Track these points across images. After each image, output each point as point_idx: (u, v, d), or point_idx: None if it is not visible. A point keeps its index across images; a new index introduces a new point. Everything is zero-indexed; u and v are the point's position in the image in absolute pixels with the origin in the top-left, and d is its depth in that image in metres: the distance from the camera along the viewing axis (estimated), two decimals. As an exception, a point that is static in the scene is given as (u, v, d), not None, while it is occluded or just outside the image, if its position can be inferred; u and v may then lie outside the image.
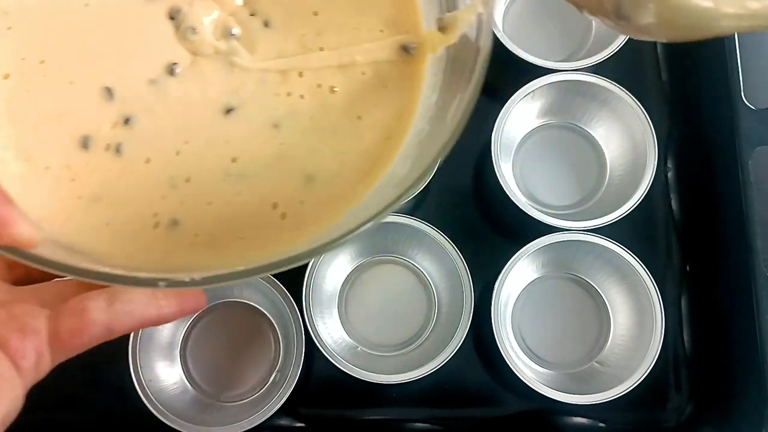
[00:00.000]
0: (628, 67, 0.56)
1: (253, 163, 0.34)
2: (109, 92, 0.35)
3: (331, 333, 0.50)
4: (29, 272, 0.31)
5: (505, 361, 0.47)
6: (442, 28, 0.36)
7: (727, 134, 0.51)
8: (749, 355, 0.48)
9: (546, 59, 0.53)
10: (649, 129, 0.51)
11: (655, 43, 0.59)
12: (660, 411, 0.52)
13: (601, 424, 0.51)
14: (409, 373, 0.46)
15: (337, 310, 0.52)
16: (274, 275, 0.48)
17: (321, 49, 0.36)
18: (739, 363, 0.49)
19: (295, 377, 0.46)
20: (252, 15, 0.37)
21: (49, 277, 0.29)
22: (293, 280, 0.48)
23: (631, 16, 0.27)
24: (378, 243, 0.52)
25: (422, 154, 0.32)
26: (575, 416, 0.51)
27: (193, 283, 0.26)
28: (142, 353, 0.47)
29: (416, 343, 0.51)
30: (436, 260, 0.51)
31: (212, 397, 0.50)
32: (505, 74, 0.56)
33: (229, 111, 0.35)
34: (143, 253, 0.32)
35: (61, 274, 0.26)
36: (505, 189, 0.49)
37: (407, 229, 0.49)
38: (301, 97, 0.35)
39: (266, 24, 0.37)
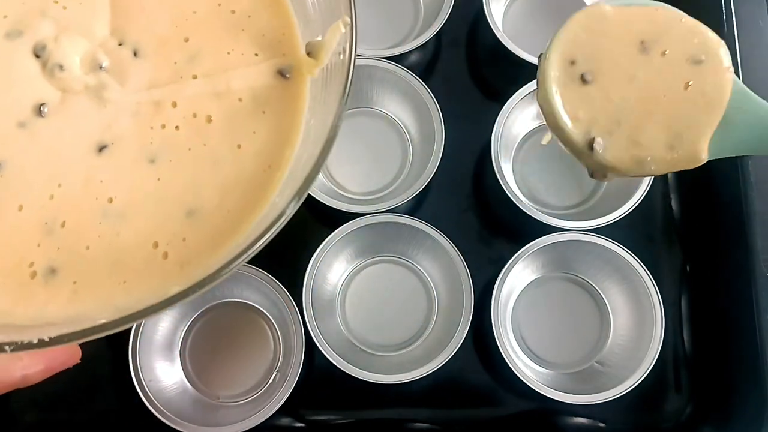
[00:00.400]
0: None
1: (130, 201, 0.33)
2: None
3: (331, 333, 0.50)
4: None
5: (505, 361, 0.47)
6: (310, 53, 0.35)
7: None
8: (749, 355, 0.48)
9: (546, 59, 0.52)
10: (649, 129, 0.51)
11: (655, 43, 0.59)
12: (660, 411, 0.52)
13: (601, 424, 0.51)
14: (409, 373, 0.46)
15: (337, 310, 0.52)
16: (274, 275, 0.48)
17: (194, 77, 0.35)
18: (739, 363, 0.49)
19: (295, 377, 0.46)
20: (120, 44, 0.35)
21: None
22: (293, 280, 0.48)
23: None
24: (378, 243, 0.52)
25: (296, 182, 0.30)
26: (575, 416, 0.51)
27: (41, 344, 0.24)
28: (142, 353, 0.47)
29: (416, 343, 0.51)
30: (436, 260, 0.51)
31: (212, 397, 0.50)
32: (505, 74, 0.56)
33: (102, 149, 0.34)
34: (21, 308, 0.31)
35: None
36: (505, 189, 0.49)
37: (407, 229, 0.49)
38: (177, 128, 0.34)
39: (135, 53, 0.35)
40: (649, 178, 0.50)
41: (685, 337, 0.53)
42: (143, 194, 0.33)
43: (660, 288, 0.49)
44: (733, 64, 0.51)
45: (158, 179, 0.33)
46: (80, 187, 0.33)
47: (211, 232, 0.33)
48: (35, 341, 0.24)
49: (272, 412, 0.46)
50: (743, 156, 0.50)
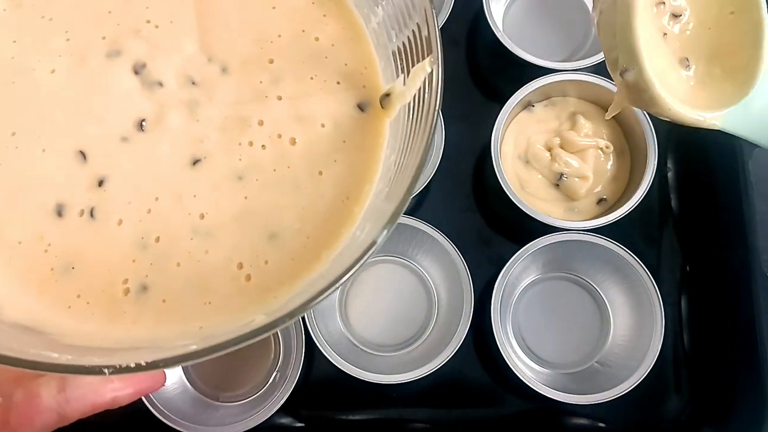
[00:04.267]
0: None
1: (219, 219, 0.34)
2: (82, 155, 0.35)
3: (331, 333, 0.50)
4: None
5: (505, 361, 0.47)
6: (389, 95, 0.36)
7: (727, 134, 0.51)
8: (749, 356, 0.48)
9: (546, 59, 0.53)
10: (649, 129, 0.51)
11: (655, 43, 0.59)
12: (660, 411, 0.52)
13: (601, 424, 0.51)
14: (409, 373, 0.46)
15: (337, 310, 0.52)
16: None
17: (279, 98, 0.36)
18: (739, 363, 0.49)
19: (295, 377, 0.46)
20: (209, 61, 0.37)
21: None
22: (293, 280, 0.48)
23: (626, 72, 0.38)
24: (378, 243, 0.52)
25: (379, 217, 0.31)
26: (575, 416, 0.51)
27: (138, 368, 0.25)
28: (142, 353, 0.47)
29: (416, 343, 0.51)
30: (436, 260, 0.51)
31: (212, 397, 0.50)
32: (505, 74, 0.56)
33: (196, 162, 0.35)
34: (109, 328, 0.32)
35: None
36: (505, 189, 0.49)
37: (407, 229, 0.49)
38: (263, 147, 0.35)
39: (224, 70, 0.37)
40: (648, 178, 0.50)
41: (685, 337, 0.53)
42: (231, 212, 0.34)
43: (660, 288, 0.49)
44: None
45: (245, 197, 0.34)
46: (175, 201, 0.34)
47: (291, 259, 0.33)
48: (132, 365, 0.25)
49: (272, 412, 0.46)
50: (743, 156, 0.50)
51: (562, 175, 0.52)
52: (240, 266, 0.33)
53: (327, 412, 0.51)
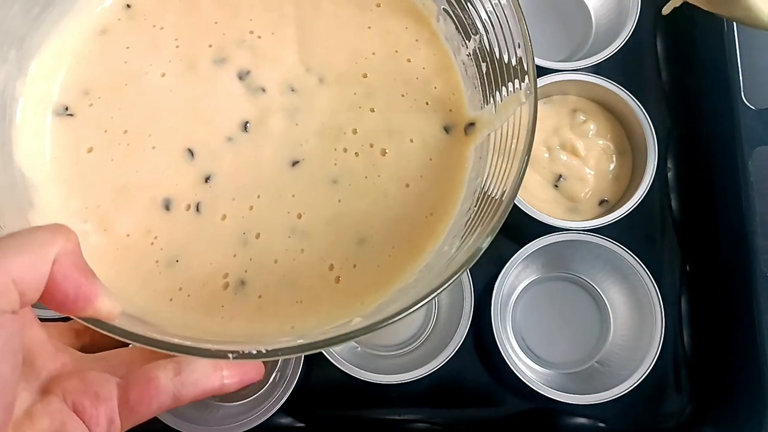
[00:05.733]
0: (628, 67, 0.56)
1: (315, 220, 0.36)
2: (190, 153, 0.37)
3: (331, 333, 0.50)
4: (94, 339, 0.32)
5: (505, 361, 0.47)
6: (474, 124, 0.38)
7: (727, 134, 0.51)
8: (749, 356, 0.48)
9: (546, 59, 0.53)
10: (650, 129, 0.51)
11: (655, 43, 0.59)
12: (660, 411, 0.52)
13: (601, 424, 0.51)
14: (409, 373, 0.46)
15: (337, 310, 0.52)
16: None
17: (372, 110, 0.39)
18: (739, 363, 0.49)
19: (295, 377, 0.46)
20: (307, 71, 0.39)
21: (114, 345, 0.30)
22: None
23: None
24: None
25: (467, 236, 0.33)
26: (575, 416, 0.51)
27: (260, 355, 0.27)
28: (142, 353, 0.47)
29: (416, 343, 0.51)
30: (436, 260, 0.51)
31: (212, 397, 0.50)
32: (505, 74, 0.56)
33: (295, 164, 0.37)
34: (209, 321, 0.34)
35: (138, 344, 0.27)
36: (505, 189, 0.49)
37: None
38: (356, 154, 0.38)
39: (321, 80, 0.39)
40: (648, 178, 0.50)
41: (685, 337, 0.53)
42: (326, 214, 0.36)
43: (660, 288, 0.49)
44: (734, 64, 0.52)
45: (339, 201, 0.37)
46: (276, 199, 0.36)
47: (377, 266, 0.35)
48: (254, 352, 0.27)
49: (272, 412, 0.46)
50: (743, 156, 0.50)
51: (560, 176, 0.52)
52: (331, 267, 0.35)
53: (327, 412, 0.51)
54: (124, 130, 0.37)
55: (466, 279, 0.48)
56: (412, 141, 0.38)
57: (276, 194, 0.37)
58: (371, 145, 0.38)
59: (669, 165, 0.56)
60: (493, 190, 0.34)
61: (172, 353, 0.27)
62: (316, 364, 0.50)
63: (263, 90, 0.38)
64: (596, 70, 0.53)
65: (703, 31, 0.56)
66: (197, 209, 0.36)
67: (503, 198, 0.32)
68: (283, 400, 0.46)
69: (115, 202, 0.36)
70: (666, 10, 0.43)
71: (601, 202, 0.52)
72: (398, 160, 0.38)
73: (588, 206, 0.52)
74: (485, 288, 0.50)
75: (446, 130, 0.39)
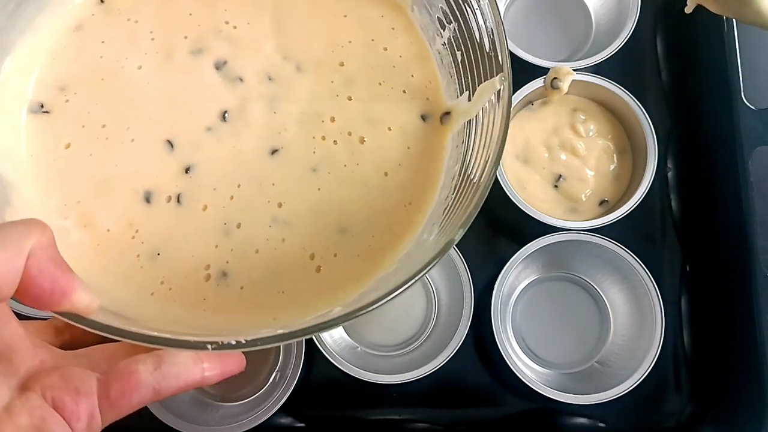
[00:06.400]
0: (628, 67, 0.56)
1: (296, 209, 0.36)
2: (170, 144, 0.37)
3: (331, 333, 0.50)
4: (75, 336, 0.32)
5: (505, 361, 0.47)
6: (450, 113, 0.38)
7: (727, 134, 0.51)
8: (749, 355, 0.48)
9: (546, 59, 0.53)
10: (650, 129, 0.51)
11: (655, 43, 0.59)
12: (660, 411, 0.52)
13: (601, 424, 0.51)
14: (409, 373, 0.46)
15: (337, 310, 0.52)
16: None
17: (349, 98, 0.39)
18: (739, 363, 0.49)
19: (295, 377, 0.46)
20: (285, 59, 0.39)
21: (94, 341, 0.30)
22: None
23: None
24: (378, 243, 0.52)
25: (447, 222, 0.33)
26: (575, 416, 0.51)
27: (239, 345, 0.27)
28: (142, 353, 0.47)
29: (416, 343, 0.51)
30: (436, 260, 0.51)
31: (212, 397, 0.50)
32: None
33: (274, 152, 0.37)
34: (189, 315, 0.34)
35: (116, 338, 0.27)
36: (505, 189, 0.49)
37: (407, 229, 0.49)
38: (335, 142, 0.38)
39: (298, 69, 0.39)
40: (648, 178, 0.50)
41: (685, 337, 0.53)
42: (306, 202, 0.36)
43: (660, 288, 0.49)
44: (734, 64, 0.52)
45: (318, 189, 0.37)
46: (256, 188, 0.36)
47: (358, 255, 0.36)
48: (233, 342, 0.27)
49: (272, 412, 0.46)
50: (743, 156, 0.50)
51: (560, 176, 0.52)
52: (312, 257, 0.35)
53: (327, 412, 0.51)
54: (102, 124, 0.37)
55: (466, 279, 0.48)
56: (390, 129, 0.38)
57: (256, 183, 0.37)
58: (350, 133, 0.38)
59: (669, 165, 0.56)
60: (472, 175, 0.34)
61: (151, 346, 0.27)
62: (316, 364, 0.50)
63: (241, 79, 0.38)
64: (596, 70, 0.53)
65: (703, 31, 0.56)
66: (178, 200, 0.36)
67: (480, 183, 0.32)
68: (283, 400, 0.46)
69: (96, 197, 0.36)
70: (688, 8, 0.44)
71: (602, 203, 0.52)
72: (377, 149, 0.38)
73: (588, 206, 0.52)
74: (485, 288, 0.50)
75: (423, 118, 0.39)
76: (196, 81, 0.38)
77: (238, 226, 0.36)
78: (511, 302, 0.52)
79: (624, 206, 0.50)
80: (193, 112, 0.38)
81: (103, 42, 0.39)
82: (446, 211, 0.35)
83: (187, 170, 0.36)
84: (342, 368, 0.46)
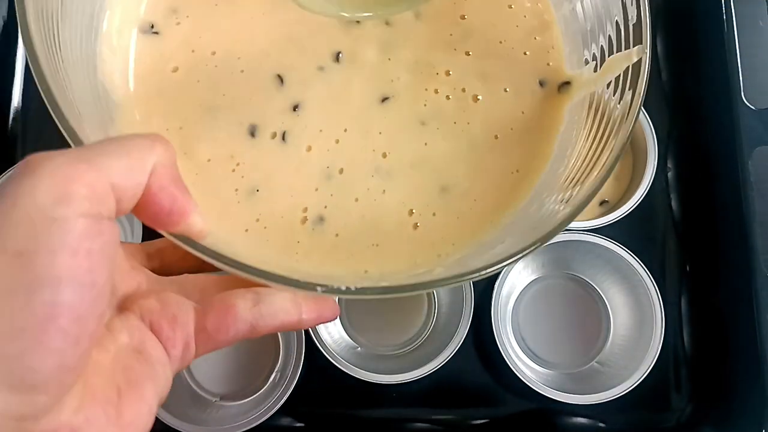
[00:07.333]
0: (628, 67, 0.56)
1: (400, 161, 0.35)
2: (280, 79, 0.36)
3: (331, 333, 0.50)
4: (164, 264, 0.31)
5: (505, 361, 0.47)
6: (570, 82, 0.36)
7: (727, 134, 0.51)
8: (749, 356, 0.48)
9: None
10: (650, 129, 0.51)
11: (654, 44, 0.59)
12: (660, 411, 0.52)
13: (601, 424, 0.51)
14: (409, 373, 0.46)
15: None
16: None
17: (467, 53, 0.37)
18: (739, 363, 0.49)
19: (295, 377, 0.46)
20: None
21: (184, 270, 0.30)
22: (293, 280, 0.48)
23: None
24: (378, 243, 0.52)
25: (562, 198, 0.32)
26: (575, 416, 0.51)
27: (348, 291, 0.26)
28: (142, 353, 0.47)
29: (416, 343, 0.51)
30: (436, 260, 0.51)
31: (212, 396, 0.50)
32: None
33: (384, 99, 0.36)
34: (280, 256, 0.33)
35: (226, 267, 0.26)
36: (505, 189, 0.49)
37: (407, 229, 0.49)
38: (447, 98, 0.36)
39: (417, 16, 0.37)
40: (648, 178, 0.50)
41: (685, 337, 0.53)
42: (410, 156, 0.35)
43: (660, 288, 0.49)
44: (734, 64, 0.52)
45: (425, 144, 0.35)
46: (363, 135, 0.35)
47: (457, 218, 0.34)
48: (343, 288, 0.26)
49: (272, 412, 0.46)
50: (743, 156, 0.50)
51: None
52: (411, 213, 0.34)
53: (327, 412, 0.51)
54: (213, 51, 0.36)
55: (466, 279, 0.48)
56: (506, 90, 0.37)
57: (363, 130, 0.35)
58: (463, 90, 0.36)
59: (669, 165, 0.56)
60: (594, 155, 0.32)
61: (263, 281, 0.26)
62: (316, 364, 0.50)
63: (357, 21, 0.37)
64: (596, 70, 0.53)
65: (703, 31, 0.56)
66: (283, 138, 0.35)
67: (595, 171, 0.30)
68: (283, 400, 0.46)
69: (199, 125, 0.34)
70: None
71: (602, 203, 0.52)
72: (489, 109, 0.36)
73: (588, 207, 0.52)
74: (485, 288, 0.50)
75: (541, 84, 0.37)
76: (313, 17, 0.36)
77: (341, 171, 0.34)
78: (511, 302, 0.52)
79: (624, 206, 0.50)
80: (306, 49, 0.36)
81: None
82: (560, 185, 0.33)
83: (295, 108, 0.35)
84: (342, 368, 0.46)
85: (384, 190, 0.34)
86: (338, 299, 0.53)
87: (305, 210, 0.34)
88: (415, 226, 0.34)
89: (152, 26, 0.36)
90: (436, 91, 0.36)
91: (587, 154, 0.32)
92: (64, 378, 0.20)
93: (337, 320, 0.52)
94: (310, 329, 0.47)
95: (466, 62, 0.37)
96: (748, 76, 0.51)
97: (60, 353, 0.19)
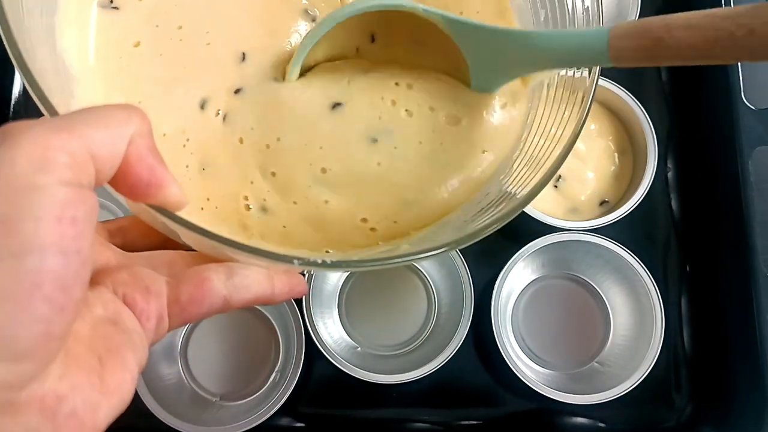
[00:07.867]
0: (628, 67, 0.56)
1: (344, 178, 0.33)
2: (243, 57, 0.35)
3: (331, 333, 0.50)
4: (127, 241, 0.31)
5: (505, 361, 0.47)
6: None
7: (727, 134, 0.51)
8: (749, 355, 0.48)
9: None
10: (650, 129, 0.51)
11: (655, 43, 0.59)
12: (660, 411, 0.52)
13: (601, 424, 0.51)
14: (409, 373, 0.46)
15: (337, 310, 0.52)
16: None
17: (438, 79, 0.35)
18: (739, 363, 0.49)
19: (295, 377, 0.46)
20: None
21: (147, 247, 0.29)
22: (293, 280, 0.48)
23: None
24: (378, 243, 0.52)
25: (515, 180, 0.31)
26: (575, 416, 0.51)
27: (324, 265, 0.26)
28: (142, 353, 0.47)
29: (416, 343, 0.51)
30: (436, 260, 0.51)
31: (212, 396, 0.50)
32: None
33: (335, 106, 0.34)
34: (239, 237, 0.32)
35: (206, 240, 0.25)
36: (505, 189, 0.49)
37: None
38: (407, 112, 0.34)
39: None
40: (648, 178, 0.50)
41: (685, 337, 0.53)
42: (359, 175, 0.33)
43: (660, 288, 0.49)
44: (733, 64, 0.52)
45: (378, 164, 0.33)
46: (299, 148, 0.33)
47: (425, 216, 0.33)
48: (319, 261, 0.26)
49: (272, 412, 0.46)
50: (743, 156, 0.50)
51: (560, 177, 0.52)
52: (364, 221, 0.33)
53: (327, 412, 0.51)
54: (179, 25, 0.35)
55: (467, 279, 0.48)
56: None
57: (300, 144, 0.34)
58: (431, 109, 0.34)
59: (669, 165, 0.56)
60: (546, 136, 0.31)
61: (243, 255, 0.26)
62: (316, 364, 0.50)
63: (314, 20, 0.36)
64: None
65: (703, 31, 0.56)
66: (224, 119, 0.34)
67: (553, 151, 0.30)
68: (283, 400, 0.46)
69: (158, 98, 0.34)
70: None
71: (602, 203, 0.52)
72: (472, 129, 0.34)
73: (588, 207, 0.52)
74: (485, 288, 0.50)
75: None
76: (283, 22, 0.36)
77: (273, 174, 0.33)
78: (511, 302, 0.52)
79: (624, 206, 0.50)
80: (277, 35, 0.35)
81: None
82: (515, 165, 0.32)
83: (236, 91, 0.34)
84: (342, 368, 0.46)
85: (326, 201, 0.33)
86: (337, 300, 0.53)
87: (246, 198, 0.33)
88: (373, 229, 0.33)
89: (111, 1, 0.35)
90: (393, 103, 0.34)
91: (549, 130, 0.32)
92: (49, 346, 0.20)
93: (337, 320, 0.52)
94: (310, 330, 0.47)
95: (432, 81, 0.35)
96: (748, 76, 0.51)
97: (46, 321, 0.19)
